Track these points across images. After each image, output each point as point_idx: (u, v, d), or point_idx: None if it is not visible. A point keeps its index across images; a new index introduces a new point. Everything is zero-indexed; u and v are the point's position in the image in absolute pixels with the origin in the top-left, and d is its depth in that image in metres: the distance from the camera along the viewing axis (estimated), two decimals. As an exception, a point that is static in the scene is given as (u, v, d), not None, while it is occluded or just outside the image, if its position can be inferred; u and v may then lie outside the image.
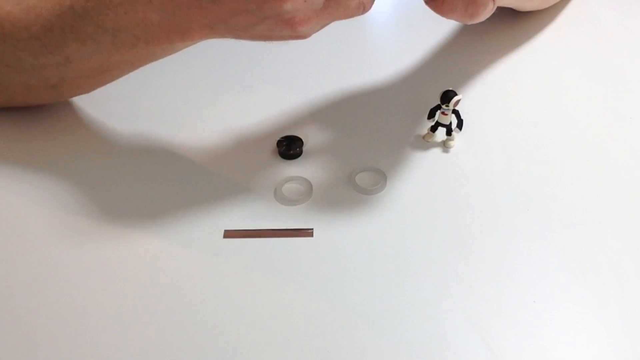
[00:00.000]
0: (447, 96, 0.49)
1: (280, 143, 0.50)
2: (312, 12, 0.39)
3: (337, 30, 0.65)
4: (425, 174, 0.49)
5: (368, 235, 0.45)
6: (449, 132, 0.51)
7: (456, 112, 0.50)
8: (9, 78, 0.48)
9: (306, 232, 0.45)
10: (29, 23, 0.43)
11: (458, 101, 0.49)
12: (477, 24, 0.45)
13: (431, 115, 0.51)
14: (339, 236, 0.45)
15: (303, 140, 0.51)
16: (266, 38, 0.41)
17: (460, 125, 0.51)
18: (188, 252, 0.44)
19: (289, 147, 0.50)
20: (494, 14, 0.45)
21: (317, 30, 0.41)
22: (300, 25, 0.39)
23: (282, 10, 0.38)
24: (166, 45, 0.42)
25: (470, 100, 0.55)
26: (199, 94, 0.58)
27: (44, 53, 0.44)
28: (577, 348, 0.38)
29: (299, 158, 0.51)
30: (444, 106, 0.50)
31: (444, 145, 0.52)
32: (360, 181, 0.48)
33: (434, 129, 0.52)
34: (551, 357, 0.38)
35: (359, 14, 0.41)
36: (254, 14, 0.39)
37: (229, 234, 0.45)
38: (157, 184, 0.49)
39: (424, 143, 0.52)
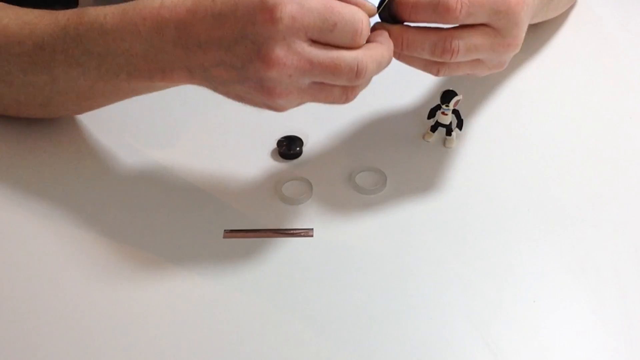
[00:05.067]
0: (447, 96, 0.49)
1: (280, 143, 0.50)
2: (295, 88, 0.38)
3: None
4: (425, 174, 0.49)
5: (368, 235, 0.45)
6: (449, 132, 0.51)
7: (456, 112, 0.50)
8: (1, 92, 0.49)
9: (306, 232, 0.45)
10: (23, 38, 0.45)
11: (458, 101, 0.49)
12: None
13: (431, 115, 0.51)
14: (339, 236, 0.45)
15: (303, 140, 0.51)
16: (241, 99, 0.41)
17: (460, 125, 0.51)
18: (188, 252, 0.44)
19: (289, 147, 0.50)
20: None
21: (294, 107, 0.40)
22: (279, 97, 0.38)
23: (266, 76, 0.37)
24: (146, 82, 0.42)
25: (470, 100, 0.54)
26: (198, 93, 0.58)
27: (34, 70, 0.45)
28: (577, 348, 0.38)
29: (299, 158, 0.51)
30: (444, 106, 0.50)
31: (444, 145, 0.52)
32: (360, 181, 0.48)
33: (434, 129, 0.52)
34: (551, 357, 0.38)
35: (341, 103, 0.40)
36: (236, 70, 0.38)
37: (229, 234, 0.45)
38: (156, 183, 0.49)
39: (424, 143, 0.52)
